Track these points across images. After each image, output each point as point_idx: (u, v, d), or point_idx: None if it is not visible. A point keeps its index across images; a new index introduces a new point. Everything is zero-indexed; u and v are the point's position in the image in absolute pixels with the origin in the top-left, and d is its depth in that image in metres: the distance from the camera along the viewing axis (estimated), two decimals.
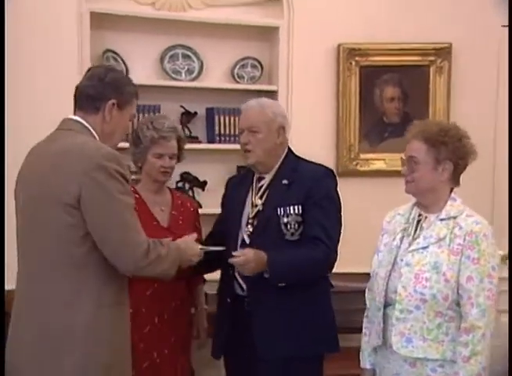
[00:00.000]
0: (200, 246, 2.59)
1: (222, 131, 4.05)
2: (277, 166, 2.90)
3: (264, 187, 2.90)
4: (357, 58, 4.15)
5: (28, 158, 2.36)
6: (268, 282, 2.74)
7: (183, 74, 4.03)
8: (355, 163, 4.20)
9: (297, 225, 2.78)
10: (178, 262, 2.40)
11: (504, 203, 3.98)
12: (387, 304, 2.51)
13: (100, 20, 3.80)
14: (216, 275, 3.00)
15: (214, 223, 3.07)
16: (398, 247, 2.52)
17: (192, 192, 4.01)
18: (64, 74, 3.60)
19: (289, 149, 2.96)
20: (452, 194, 2.53)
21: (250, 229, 2.85)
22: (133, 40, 3.95)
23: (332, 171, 2.96)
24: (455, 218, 2.46)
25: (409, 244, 2.50)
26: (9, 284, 2.52)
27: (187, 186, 3.99)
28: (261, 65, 4.15)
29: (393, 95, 4.23)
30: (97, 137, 2.33)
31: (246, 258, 2.69)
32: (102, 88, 2.33)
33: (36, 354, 2.22)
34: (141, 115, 3.68)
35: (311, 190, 2.80)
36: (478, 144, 4.02)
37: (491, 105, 4.27)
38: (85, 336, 2.20)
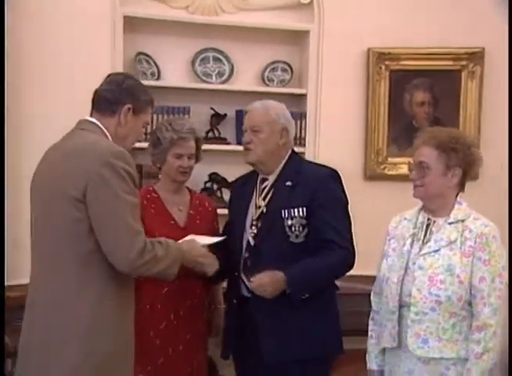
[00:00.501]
0: (201, 243, 2.64)
1: None
2: (280, 167, 2.92)
3: (267, 188, 2.91)
4: (387, 62, 4.17)
5: (44, 155, 2.46)
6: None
7: (214, 77, 4.10)
8: (382, 167, 4.22)
9: (301, 228, 2.80)
10: (178, 262, 2.44)
11: None
12: (400, 307, 2.55)
13: (133, 24, 3.91)
14: None
15: (223, 226, 3.11)
16: (409, 252, 2.58)
17: (221, 192, 4.08)
18: (99, 75, 3.67)
19: (292, 150, 2.98)
20: (458, 198, 2.58)
21: (255, 231, 2.87)
22: (165, 43, 4.04)
23: (336, 171, 2.94)
24: (463, 221, 2.54)
25: (420, 249, 2.56)
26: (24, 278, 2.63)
27: (215, 186, 4.07)
28: (291, 68, 4.20)
29: (423, 100, 4.22)
30: (110, 138, 2.41)
31: (260, 282, 2.72)
32: (119, 93, 2.44)
33: (45, 339, 2.31)
34: (171, 116, 3.79)
35: (316, 193, 2.81)
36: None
37: None
38: (89, 326, 2.28)
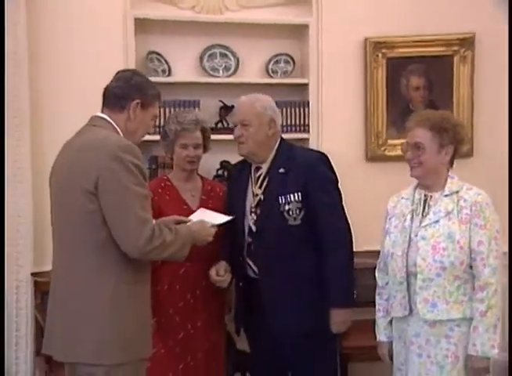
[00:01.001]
0: (210, 223, 2.73)
1: None
2: (272, 156, 3.02)
3: (262, 177, 3.02)
4: (383, 50, 4.23)
5: (60, 151, 2.56)
6: (278, 263, 2.90)
7: (221, 71, 4.19)
8: (383, 148, 4.30)
9: (298, 211, 2.93)
10: (188, 245, 2.53)
11: None
12: (407, 277, 2.70)
13: (144, 25, 4.01)
14: None
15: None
16: (410, 226, 2.72)
17: None
18: (112, 74, 3.90)
19: (281, 138, 3.08)
20: (449, 173, 2.74)
21: (255, 218, 2.99)
22: (174, 41, 4.14)
23: (324, 154, 3.06)
24: (457, 192, 2.69)
25: (420, 222, 2.71)
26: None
27: (226, 173, 4.17)
28: (293, 60, 4.29)
29: (418, 85, 4.29)
30: (121, 133, 2.49)
31: (344, 327, 2.95)
32: (127, 89, 2.52)
33: (66, 318, 2.41)
34: (182, 109, 3.87)
35: (309, 177, 2.92)
36: (500, 131, 4.22)
37: None
38: (107, 308, 2.36)
